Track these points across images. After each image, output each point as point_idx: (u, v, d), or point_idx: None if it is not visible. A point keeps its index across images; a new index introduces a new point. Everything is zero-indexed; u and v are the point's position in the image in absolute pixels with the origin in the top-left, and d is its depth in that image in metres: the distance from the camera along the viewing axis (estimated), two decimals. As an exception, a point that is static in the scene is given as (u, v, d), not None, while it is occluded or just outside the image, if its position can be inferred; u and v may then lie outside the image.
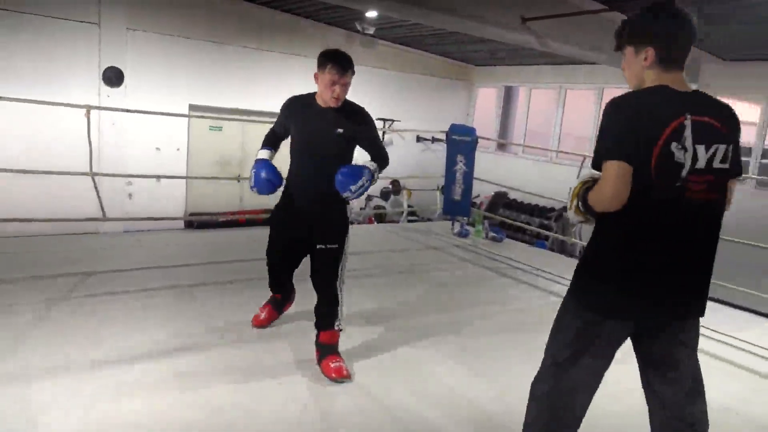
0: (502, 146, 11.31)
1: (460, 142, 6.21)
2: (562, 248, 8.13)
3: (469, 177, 6.20)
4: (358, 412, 2.67)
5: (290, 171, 2.98)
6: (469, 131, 6.37)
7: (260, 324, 3.41)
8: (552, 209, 9.13)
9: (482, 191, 8.86)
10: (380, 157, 2.91)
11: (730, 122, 1.72)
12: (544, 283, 5.11)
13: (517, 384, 2.32)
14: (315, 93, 2.88)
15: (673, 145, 1.62)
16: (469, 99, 11.79)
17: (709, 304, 1.85)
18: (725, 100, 1.77)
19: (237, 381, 2.83)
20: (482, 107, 11.81)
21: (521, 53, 9.10)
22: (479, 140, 6.36)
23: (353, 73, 2.80)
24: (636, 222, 1.68)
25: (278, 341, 3.31)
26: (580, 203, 1.78)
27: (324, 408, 2.69)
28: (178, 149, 8.45)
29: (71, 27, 7.42)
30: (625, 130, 1.65)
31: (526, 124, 10.91)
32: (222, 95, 8.71)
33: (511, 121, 11.49)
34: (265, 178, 2.85)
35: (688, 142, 1.62)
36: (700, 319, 1.85)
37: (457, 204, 6.24)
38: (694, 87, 1.75)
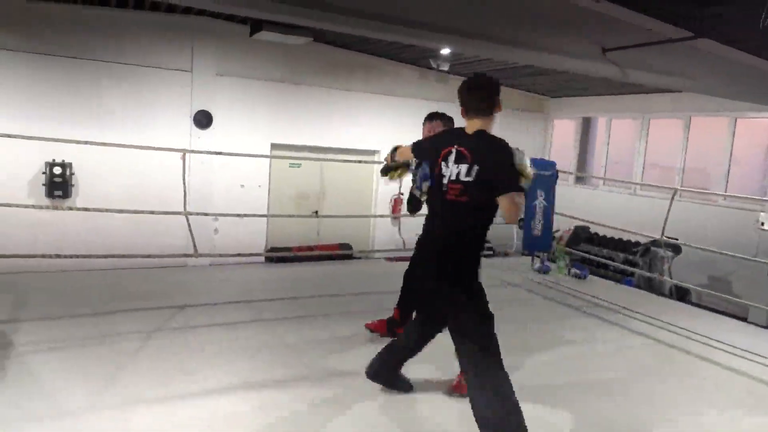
0: (580, 179, 10.96)
1: (540, 176, 6.01)
2: (650, 285, 7.67)
3: (549, 211, 6.03)
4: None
5: None
6: (549, 165, 6.23)
7: (369, 327, 3.92)
8: (637, 243, 8.63)
9: (561, 225, 8.57)
10: None
11: (482, 154, 2.51)
12: (634, 324, 4.84)
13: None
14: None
15: (442, 164, 2.63)
16: (545, 131, 11.57)
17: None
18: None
19: (323, 416, 2.87)
20: (559, 138, 11.55)
21: (599, 83, 8.88)
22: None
23: (447, 122, 3.77)
24: (429, 215, 2.76)
25: (362, 379, 3.32)
26: None
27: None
28: (260, 186, 8.83)
29: (167, 75, 8.03)
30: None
31: (606, 155, 10.52)
32: (301, 133, 9.05)
33: (590, 153, 11.14)
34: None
35: (451, 163, 2.59)
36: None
37: (537, 239, 6.07)
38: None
